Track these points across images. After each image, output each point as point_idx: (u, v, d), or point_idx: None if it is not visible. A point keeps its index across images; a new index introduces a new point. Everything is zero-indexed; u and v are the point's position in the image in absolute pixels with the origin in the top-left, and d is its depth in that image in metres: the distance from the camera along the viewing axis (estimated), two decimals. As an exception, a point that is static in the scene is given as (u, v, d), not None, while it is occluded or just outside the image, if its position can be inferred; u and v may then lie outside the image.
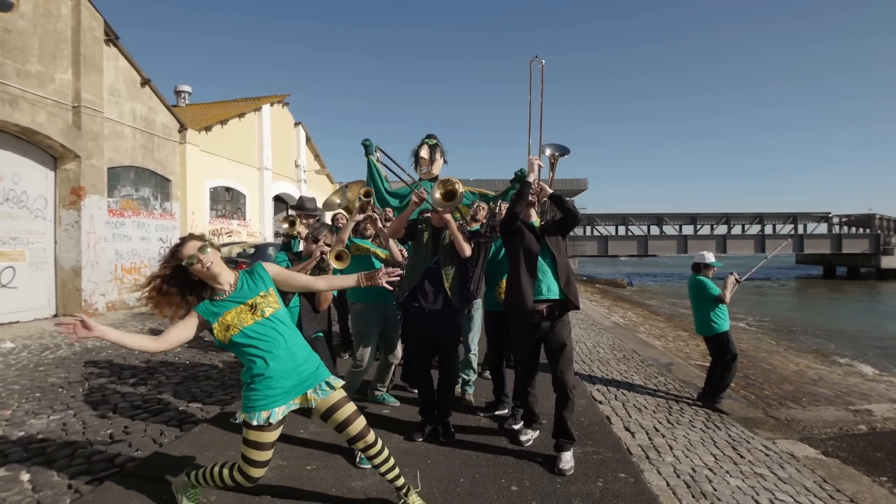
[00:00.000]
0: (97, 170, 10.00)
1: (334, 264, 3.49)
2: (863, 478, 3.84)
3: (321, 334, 3.87)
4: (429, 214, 3.85)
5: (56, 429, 4.01)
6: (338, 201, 4.74)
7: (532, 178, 3.58)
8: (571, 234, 3.85)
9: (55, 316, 9.38)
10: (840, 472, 3.86)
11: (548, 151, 3.68)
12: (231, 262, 10.91)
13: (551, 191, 3.62)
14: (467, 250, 3.69)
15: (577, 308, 3.52)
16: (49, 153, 9.44)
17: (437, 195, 3.52)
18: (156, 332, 8.07)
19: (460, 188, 3.51)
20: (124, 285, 11.02)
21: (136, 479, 3.12)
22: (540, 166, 3.62)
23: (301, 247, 4.45)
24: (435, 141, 4.37)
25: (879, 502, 3.40)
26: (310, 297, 3.76)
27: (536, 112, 3.70)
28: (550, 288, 3.48)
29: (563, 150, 3.71)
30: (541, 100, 3.40)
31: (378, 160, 4.88)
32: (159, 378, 5.52)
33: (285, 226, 4.40)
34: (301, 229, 4.35)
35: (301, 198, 4.68)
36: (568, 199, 3.58)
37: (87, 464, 3.40)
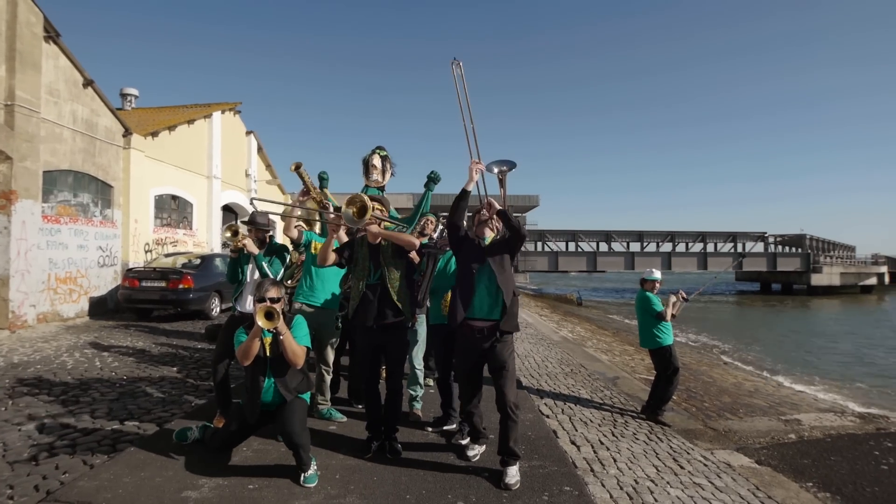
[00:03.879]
0: (31, 173, 9.45)
1: (262, 323, 3.16)
2: (791, 484, 4.05)
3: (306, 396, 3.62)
4: (362, 234, 3.78)
5: (-28, 451, 3.72)
6: (298, 213, 4.71)
7: (471, 186, 3.50)
8: (522, 248, 3.85)
9: (-22, 328, 8.76)
10: (771, 480, 4.05)
11: (494, 169, 3.57)
12: (175, 274, 10.55)
13: (499, 207, 3.56)
14: (412, 240, 3.72)
15: (510, 332, 3.49)
16: (-24, 154, 8.87)
17: (351, 213, 3.42)
18: (94, 346, 7.69)
19: (368, 201, 3.44)
20: (58, 296, 10.41)
21: None
22: (480, 171, 3.50)
23: (249, 275, 4.34)
24: (385, 153, 4.54)
25: (806, 508, 3.59)
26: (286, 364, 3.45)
27: (468, 117, 3.62)
28: (484, 308, 3.48)
29: (510, 165, 3.59)
30: (467, 101, 3.43)
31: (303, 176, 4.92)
32: (93, 395, 5.22)
33: (227, 234, 4.28)
34: (248, 242, 4.24)
35: (253, 213, 4.62)
36: (517, 215, 3.56)
37: (7, 490, 3.16)
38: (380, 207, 3.78)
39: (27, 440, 3.96)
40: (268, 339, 3.39)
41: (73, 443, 3.93)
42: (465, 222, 3.74)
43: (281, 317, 3.25)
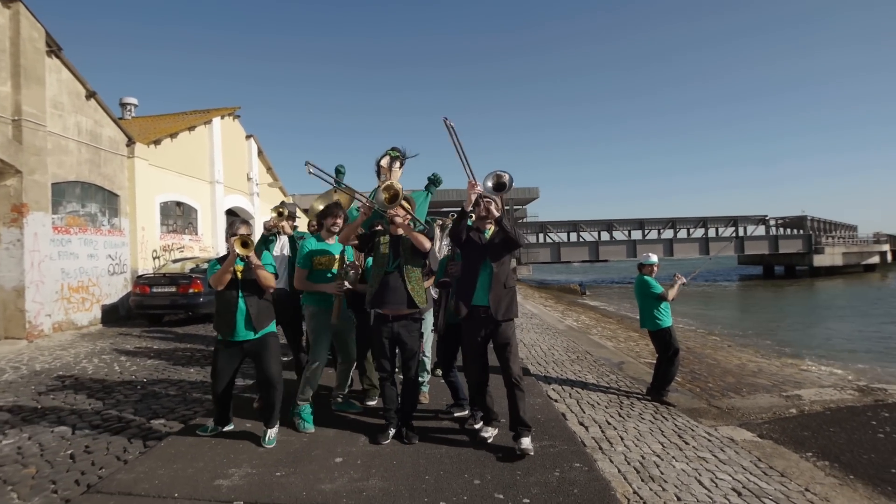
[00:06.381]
0: (40, 185, 9.64)
1: (239, 250, 3.66)
2: (792, 455, 4.24)
3: (273, 328, 4.09)
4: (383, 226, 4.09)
5: (11, 453, 3.90)
6: (320, 207, 4.89)
7: (470, 207, 3.80)
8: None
9: (-4, 339, 8.97)
10: (773, 452, 4.23)
11: (489, 183, 3.80)
12: (184, 279, 10.73)
13: (497, 214, 3.82)
14: (426, 243, 3.94)
15: (503, 321, 3.78)
16: (-13, 169, 9.06)
17: (383, 198, 3.85)
18: (111, 351, 7.89)
19: (401, 191, 3.89)
20: (71, 305, 10.62)
21: (104, 495, 3.13)
22: (480, 194, 3.80)
23: (276, 249, 4.74)
24: (397, 153, 4.63)
25: (805, 475, 3.77)
26: (254, 287, 3.92)
27: (464, 157, 3.94)
28: (483, 298, 3.80)
29: (509, 183, 3.79)
30: (461, 149, 3.83)
31: (311, 174, 5.02)
32: (117, 397, 5.42)
33: (273, 215, 4.72)
34: (286, 225, 4.76)
35: (282, 202, 4.97)
36: (517, 208, 3.85)
37: (49, 485, 3.36)
38: (407, 207, 4.03)
39: (61, 440, 4.16)
40: (239, 268, 3.86)
41: (105, 441, 4.12)
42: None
43: (253, 246, 3.81)
